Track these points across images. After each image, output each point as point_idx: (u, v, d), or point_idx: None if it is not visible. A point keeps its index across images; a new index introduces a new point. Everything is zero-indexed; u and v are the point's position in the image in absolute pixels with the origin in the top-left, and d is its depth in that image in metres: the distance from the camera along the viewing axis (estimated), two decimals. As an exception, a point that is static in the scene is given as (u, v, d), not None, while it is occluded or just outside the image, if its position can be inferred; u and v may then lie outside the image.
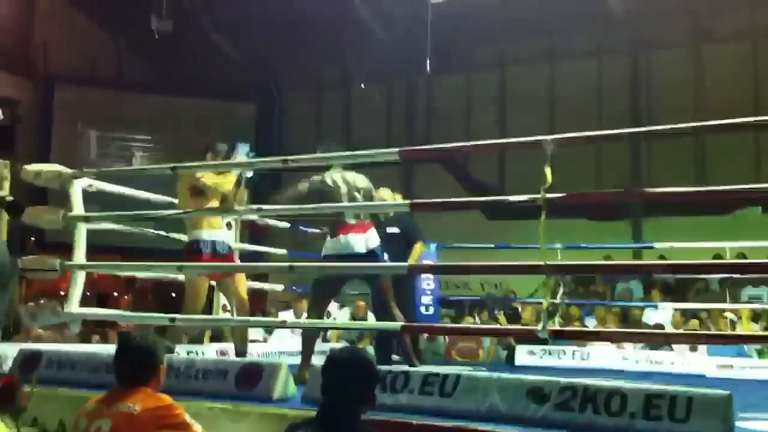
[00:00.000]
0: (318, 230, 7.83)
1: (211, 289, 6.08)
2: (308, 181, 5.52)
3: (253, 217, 5.51)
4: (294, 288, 8.53)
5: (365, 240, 5.44)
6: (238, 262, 5.69)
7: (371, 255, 5.41)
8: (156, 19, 15.19)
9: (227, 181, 5.43)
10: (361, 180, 5.65)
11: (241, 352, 5.64)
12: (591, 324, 9.76)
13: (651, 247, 9.97)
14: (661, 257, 10.28)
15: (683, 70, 14.12)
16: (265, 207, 5.22)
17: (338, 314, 8.51)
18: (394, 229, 6.57)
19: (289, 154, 4.86)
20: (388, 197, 6.43)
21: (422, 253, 6.59)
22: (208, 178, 5.35)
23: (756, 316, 9.53)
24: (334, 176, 5.50)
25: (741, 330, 8.66)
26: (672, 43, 14.32)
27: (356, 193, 5.55)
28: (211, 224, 5.43)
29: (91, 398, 3.16)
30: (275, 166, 5.07)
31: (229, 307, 6.83)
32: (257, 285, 7.94)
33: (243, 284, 5.62)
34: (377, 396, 2.87)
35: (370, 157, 5.26)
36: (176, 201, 5.79)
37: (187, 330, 6.73)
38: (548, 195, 3.59)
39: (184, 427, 2.96)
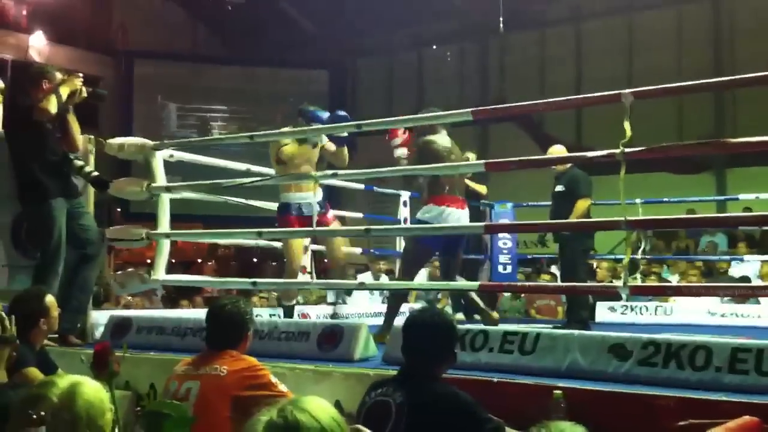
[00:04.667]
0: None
1: None
2: (430, 146, 5.41)
3: (330, 181, 5.55)
4: (371, 250, 8.59)
5: (461, 218, 5.41)
6: (335, 223, 5.81)
7: (461, 235, 5.53)
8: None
9: (306, 150, 5.51)
10: (456, 148, 5.65)
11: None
12: (673, 279, 9.57)
13: (736, 199, 9.68)
14: (747, 209, 9.99)
15: (766, 15, 13.54)
16: (340, 172, 5.25)
17: (417, 276, 8.53)
18: (560, 188, 6.37)
19: (363, 119, 4.88)
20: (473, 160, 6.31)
21: (585, 210, 6.11)
22: (288, 148, 5.44)
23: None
24: (445, 140, 5.48)
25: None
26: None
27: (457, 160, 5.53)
28: (300, 188, 5.54)
29: (180, 361, 3.27)
30: (350, 131, 5.09)
31: (308, 269, 6.95)
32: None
33: (340, 244, 5.72)
34: (457, 354, 2.89)
35: (443, 119, 5.24)
36: (252, 168, 5.97)
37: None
38: (627, 149, 3.51)
39: (269, 387, 3.05)
